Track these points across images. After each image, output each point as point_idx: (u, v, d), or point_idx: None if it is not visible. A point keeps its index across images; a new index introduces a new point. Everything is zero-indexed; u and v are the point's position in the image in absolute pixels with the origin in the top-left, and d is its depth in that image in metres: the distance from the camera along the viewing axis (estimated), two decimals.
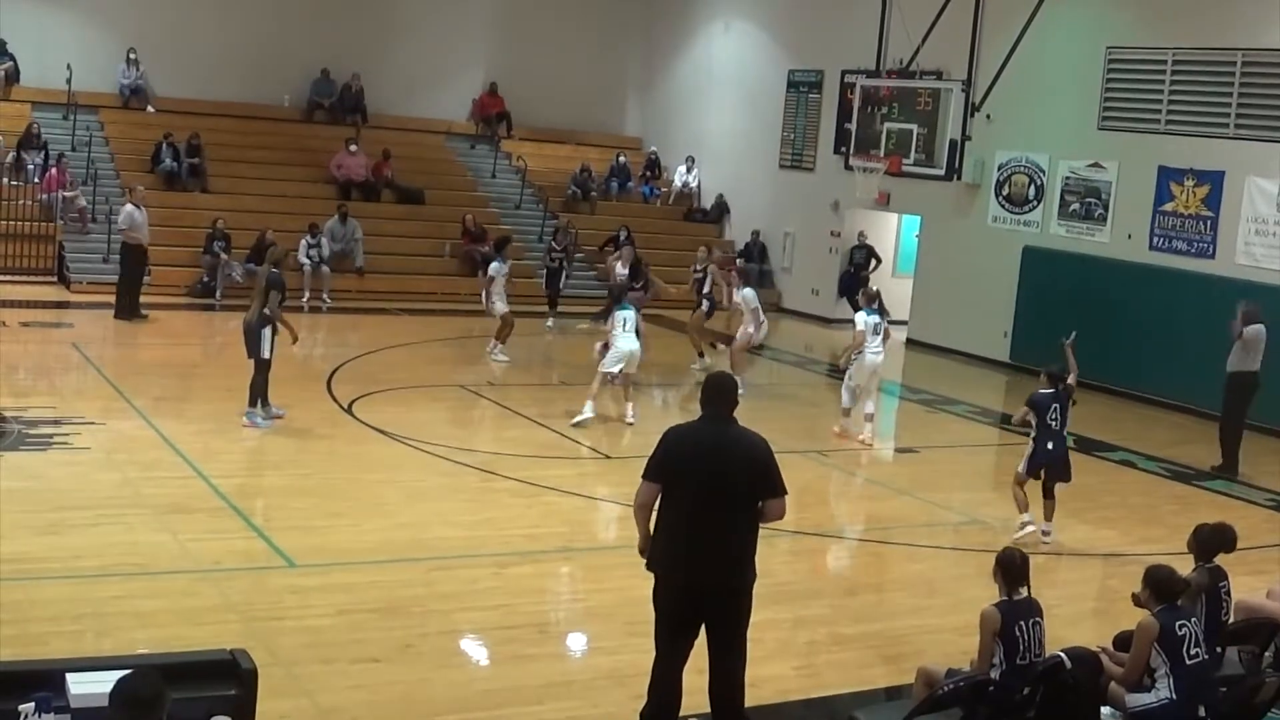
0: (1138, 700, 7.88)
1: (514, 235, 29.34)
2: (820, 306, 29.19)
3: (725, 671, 7.87)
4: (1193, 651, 7.85)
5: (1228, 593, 8.91)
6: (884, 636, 10.67)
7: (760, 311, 20.06)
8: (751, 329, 19.91)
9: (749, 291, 19.87)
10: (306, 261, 25.60)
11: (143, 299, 23.07)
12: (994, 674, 7.91)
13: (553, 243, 26.84)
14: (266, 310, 15.52)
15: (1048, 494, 13.26)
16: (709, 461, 7.71)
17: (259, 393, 15.76)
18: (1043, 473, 13.20)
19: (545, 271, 26.59)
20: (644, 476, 7.81)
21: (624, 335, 17.13)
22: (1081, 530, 14.17)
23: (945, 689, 7.74)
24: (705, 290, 22.39)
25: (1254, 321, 17.40)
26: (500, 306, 21.26)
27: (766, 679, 9.28)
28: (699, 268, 23.62)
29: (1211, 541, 9.07)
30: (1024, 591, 8.11)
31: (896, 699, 9.04)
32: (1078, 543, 13.74)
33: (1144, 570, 8.27)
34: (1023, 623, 7.96)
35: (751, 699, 8.56)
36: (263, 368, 15.68)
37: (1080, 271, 23.37)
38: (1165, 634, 7.84)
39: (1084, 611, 11.85)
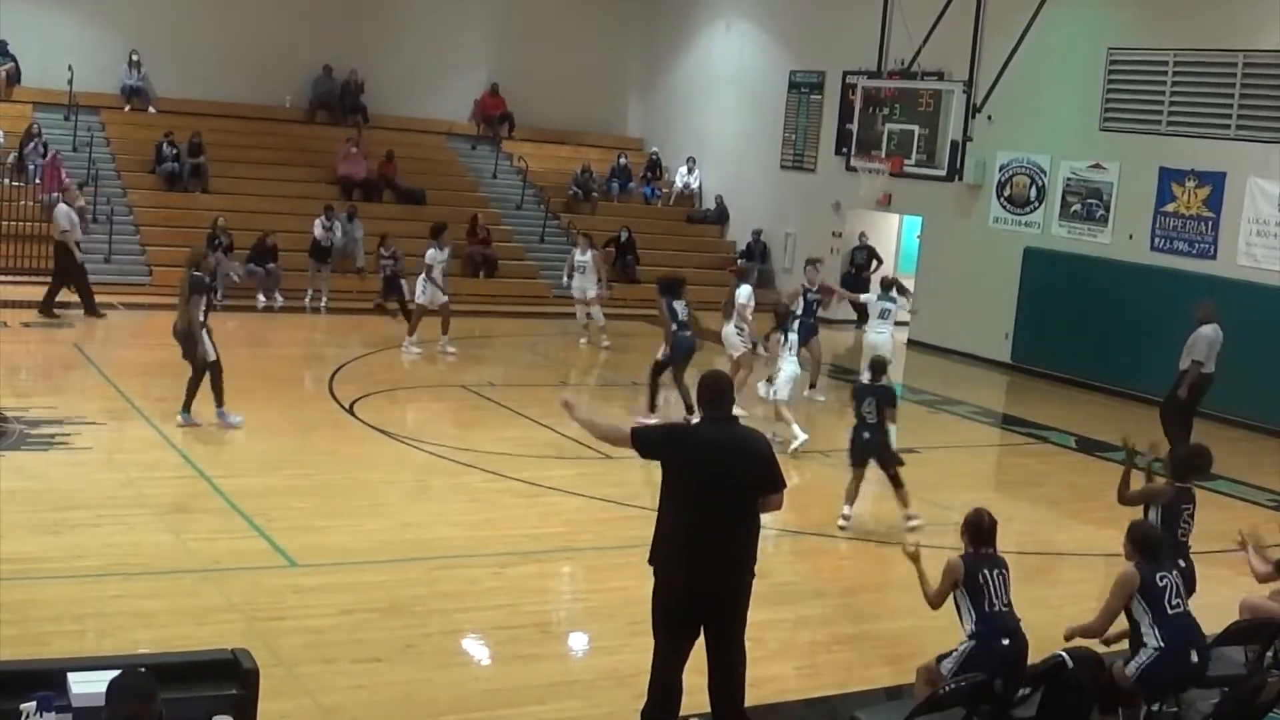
0: (1135, 664, 8.05)
1: (515, 236, 29.45)
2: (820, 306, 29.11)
3: (726, 671, 7.87)
4: (1174, 602, 8.08)
5: (1190, 515, 9.33)
6: (885, 636, 10.68)
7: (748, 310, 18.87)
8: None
9: (745, 289, 19.36)
10: (322, 239, 25.57)
11: (142, 299, 23.07)
12: (969, 626, 8.16)
13: (380, 249, 24.87)
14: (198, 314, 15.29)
15: (895, 483, 13.53)
16: (712, 461, 7.72)
17: (191, 394, 15.40)
18: (873, 462, 13.57)
19: (382, 280, 24.64)
20: (636, 441, 7.92)
21: (790, 359, 16.98)
22: (1082, 530, 14.17)
23: (946, 689, 7.75)
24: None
25: (1209, 321, 17.30)
26: (439, 296, 21.27)
27: (768, 679, 9.28)
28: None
29: (1187, 461, 9.24)
30: (989, 552, 8.39)
31: (897, 699, 9.05)
32: (1079, 543, 13.74)
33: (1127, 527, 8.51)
34: (986, 571, 8.23)
35: (752, 699, 8.55)
36: (207, 369, 15.47)
37: (1081, 272, 23.37)
38: (1146, 585, 8.09)
39: (1085, 612, 11.78)
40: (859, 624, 10.97)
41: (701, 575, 7.72)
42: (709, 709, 7.94)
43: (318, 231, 25.56)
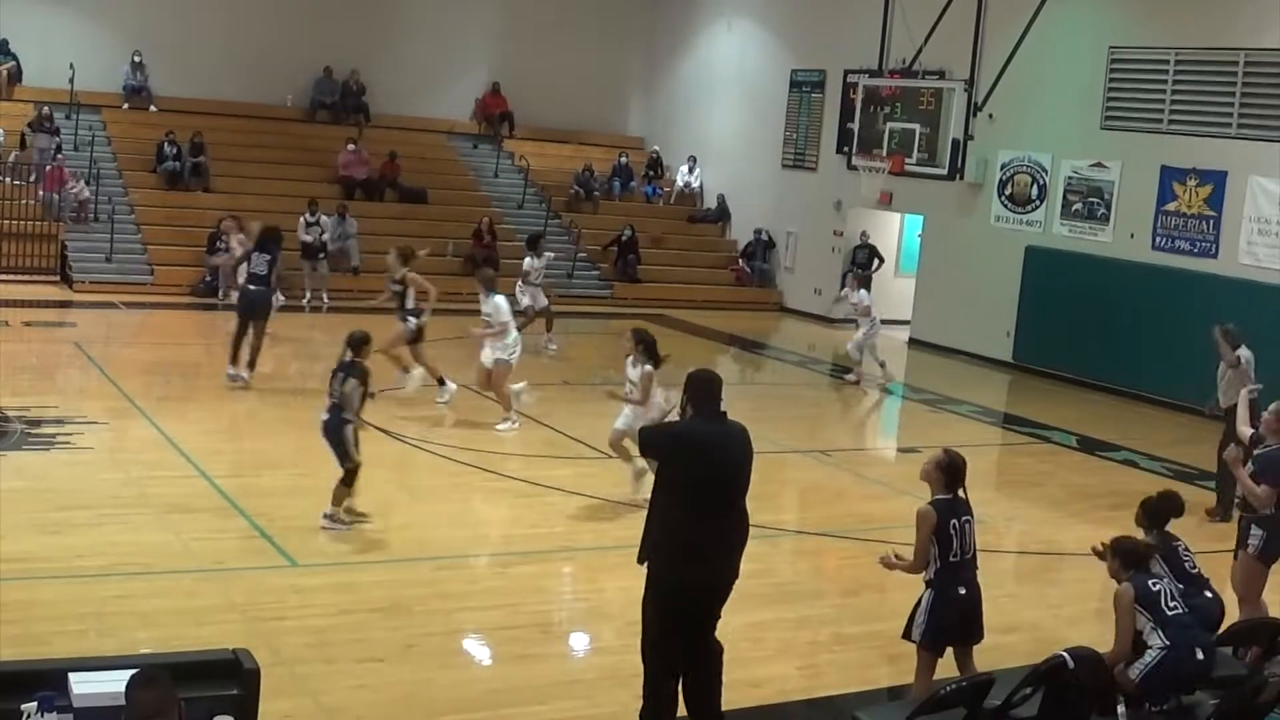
0: (1139, 667, 8.00)
1: (517, 235, 29.40)
2: (823, 306, 29.18)
3: (712, 669, 7.95)
4: (1171, 605, 8.06)
5: (1185, 549, 9.16)
6: (886, 636, 10.63)
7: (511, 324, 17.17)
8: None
9: (499, 300, 17.06)
10: (309, 239, 25.60)
11: (143, 298, 23.06)
12: (929, 572, 8.33)
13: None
14: None
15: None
16: (718, 460, 7.76)
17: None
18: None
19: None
20: (640, 439, 8.08)
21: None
22: (1084, 529, 14.16)
23: (948, 689, 7.75)
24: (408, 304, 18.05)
25: (1239, 344, 15.39)
26: (541, 299, 21.97)
27: (769, 679, 9.30)
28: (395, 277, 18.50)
29: (1160, 509, 9.24)
30: (961, 493, 8.52)
31: (899, 699, 9.05)
32: (1079, 543, 13.72)
33: (1109, 543, 8.48)
34: (955, 521, 8.36)
35: (753, 699, 8.59)
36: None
37: (1083, 271, 23.37)
38: (1141, 594, 8.05)
39: (1086, 612, 11.82)
40: (861, 624, 10.96)
41: (718, 573, 7.79)
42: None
43: (301, 231, 25.55)
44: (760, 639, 9.88)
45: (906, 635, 8.50)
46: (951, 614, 8.25)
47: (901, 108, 23.75)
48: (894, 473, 16.99)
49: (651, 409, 13.05)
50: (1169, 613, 8.04)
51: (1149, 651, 8.00)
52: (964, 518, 8.40)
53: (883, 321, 22.29)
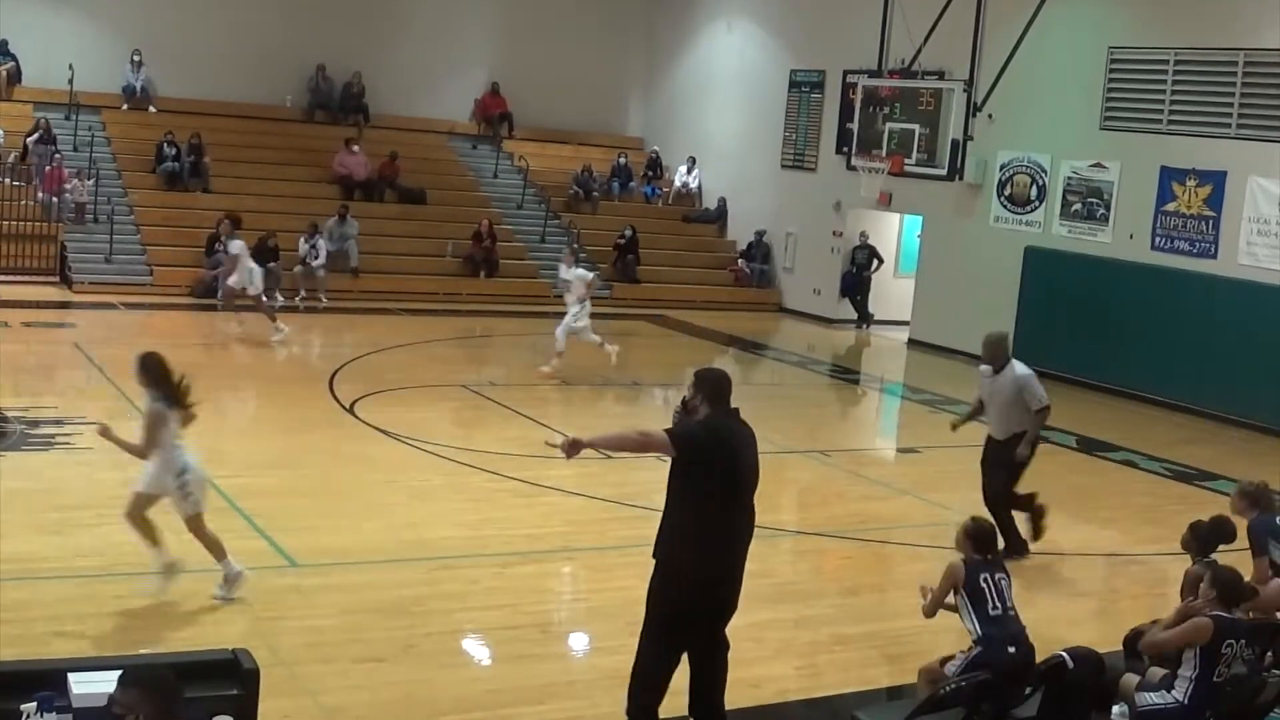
0: (1148, 700, 7.88)
1: (516, 236, 29.44)
2: (822, 306, 29.19)
3: (719, 668, 7.96)
4: (1229, 670, 7.83)
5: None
6: (886, 636, 10.67)
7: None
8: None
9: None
10: (308, 263, 25.68)
11: (142, 299, 23.06)
12: (972, 632, 8.12)
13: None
14: None
15: None
16: (739, 458, 7.79)
17: None
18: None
19: None
20: (675, 442, 7.70)
21: None
22: (1083, 530, 14.18)
23: (947, 689, 7.75)
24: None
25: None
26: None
27: (768, 679, 9.31)
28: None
29: (1211, 536, 9.09)
30: (990, 558, 8.38)
31: (898, 699, 9.05)
32: (1079, 543, 13.74)
33: (1210, 569, 8.30)
34: (987, 575, 8.20)
35: (752, 699, 8.58)
36: None
37: (1082, 271, 23.37)
38: (1215, 639, 7.78)
39: (1087, 612, 11.85)
40: (860, 624, 10.96)
41: (737, 570, 7.82)
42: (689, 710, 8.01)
43: (300, 252, 25.62)
44: (759, 639, 9.87)
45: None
46: (999, 668, 7.91)
47: (901, 108, 23.70)
48: (893, 473, 17.01)
49: None
50: (1216, 679, 7.81)
51: (1170, 693, 7.84)
52: (997, 574, 8.25)
53: (880, 322, 22.13)
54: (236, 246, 21.60)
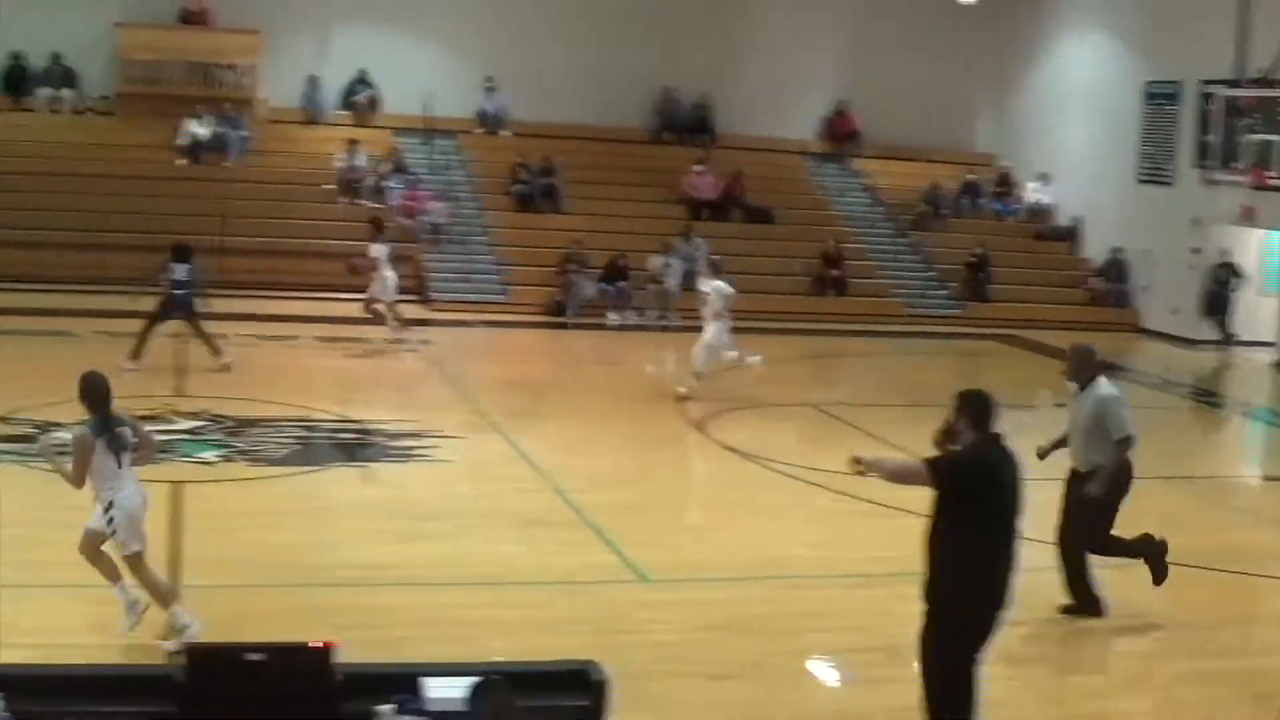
0: None
1: (867, 254, 29.10)
2: (1181, 326, 27.86)
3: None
4: None
5: None
6: (1249, 673, 10.02)
7: None
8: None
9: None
10: (660, 281, 25.82)
11: (499, 316, 23.66)
12: None
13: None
14: None
15: None
16: (1012, 489, 7.56)
17: None
18: None
19: None
20: (945, 473, 7.44)
21: None
22: None
23: None
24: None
25: None
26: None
27: (1119, 714, 8.84)
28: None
29: None
30: None
31: None
32: None
33: None
34: None
35: None
36: None
37: None
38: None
39: None
40: (1221, 659, 10.31)
41: (1007, 601, 7.64)
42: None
43: (656, 271, 25.76)
44: (1113, 668, 9.36)
45: None
46: None
47: (1263, 119, 22.45)
48: (1259, 502, 16.05)
49: None
50: None
51: None
52: None
53: (1244, 343, 21.04)
54: (377, 250, 21.37)
